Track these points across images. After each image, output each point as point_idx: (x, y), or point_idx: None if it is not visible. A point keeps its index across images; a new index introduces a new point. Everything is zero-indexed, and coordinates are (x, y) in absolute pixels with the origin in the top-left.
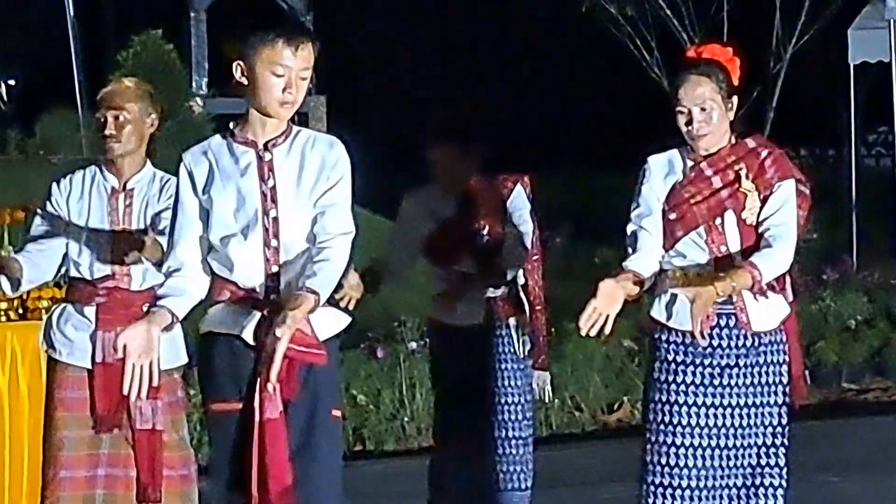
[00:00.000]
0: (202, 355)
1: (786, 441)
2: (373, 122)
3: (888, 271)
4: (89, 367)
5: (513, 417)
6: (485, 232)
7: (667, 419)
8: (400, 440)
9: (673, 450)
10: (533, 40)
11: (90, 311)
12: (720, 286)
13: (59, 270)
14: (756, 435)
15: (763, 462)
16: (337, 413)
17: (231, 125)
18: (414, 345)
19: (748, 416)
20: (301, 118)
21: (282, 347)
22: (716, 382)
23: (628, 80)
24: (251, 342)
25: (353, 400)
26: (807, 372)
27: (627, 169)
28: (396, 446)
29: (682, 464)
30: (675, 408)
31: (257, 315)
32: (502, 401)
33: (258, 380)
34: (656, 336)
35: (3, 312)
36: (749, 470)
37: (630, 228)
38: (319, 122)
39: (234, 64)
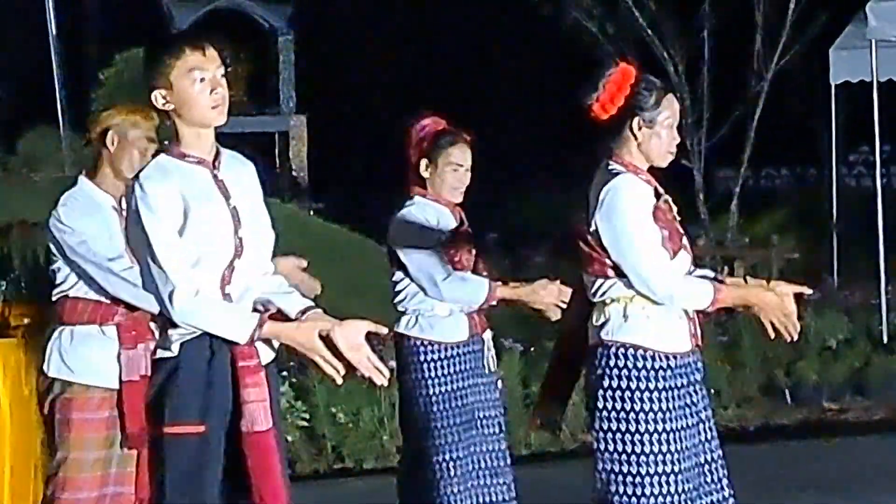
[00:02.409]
0: (168, 375)
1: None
2: (353, 142)
3: (869, 291)
4: (115, 387)
5: (492, 430)
6: (472, 247)
7: (665, 447)
8: (380, 458)
9: (667, 478)
10: (514, 60)
11: (110, 330)
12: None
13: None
14: (713, 450)
15: (718, 476)
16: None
17: (166, 144)
18: (394, 363)
19: (704, 431)
20: (282, 137)
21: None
22: (689, 401)
23: None
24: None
25: (332, 418)
26: (787, 391)
27: None
28: (376, 464)
29: (675, 490)
30: (667, 435)
31: None
32: (481, 414)
33: (237, 395)
34: (634, 364)
35: None
36: (709, 487)
37: (670, 268)
38: (300, 142)
39: (153, 95)
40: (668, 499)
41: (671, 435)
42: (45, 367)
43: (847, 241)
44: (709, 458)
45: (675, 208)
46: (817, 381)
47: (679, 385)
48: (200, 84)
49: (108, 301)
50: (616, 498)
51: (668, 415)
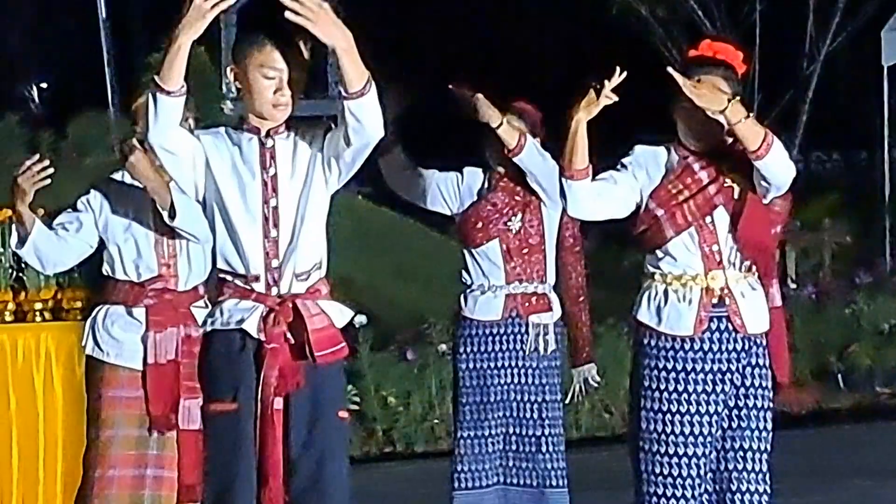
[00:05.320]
0: (202, 354)
1: (768, 446)
2: (403, 121)
3: None
4: (140, 368)
5: (528, 416)
6: (517, 218)
7: (661, 427)
8: (430, 442)
9: (666, 459)
10: (562, 42)
11: (139, 312)
12: (734, 104)
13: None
14: (740, 438)
15: (742, 467)
16: (344, 415)
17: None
18: (444, 346)
19: (734, 418)
20: (331, 121)
21: None
22: (708, 389)
23: (658, 82)
24: (254, 334)
25: (383, 401)
26: (839, 376)
27: None
28: (426, 448)
29: (676, 473)
30: (669, 416)
31: (260, 308)
32: (517, 398)
33: (260, 374)
34: (645, 342)
35: (38, 312)
36: (726, 474)
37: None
38: None
39: (229, 70)
40: (671, 480)
41: (675, 417)
42: (83, 344)
43: None
44: (745, 445)
45: (697, 186)
46: (870, 366)
47: (687, 369)
48: (267, 81)
49: (138, 283)
50: (634, 473)
51: (670, 395)
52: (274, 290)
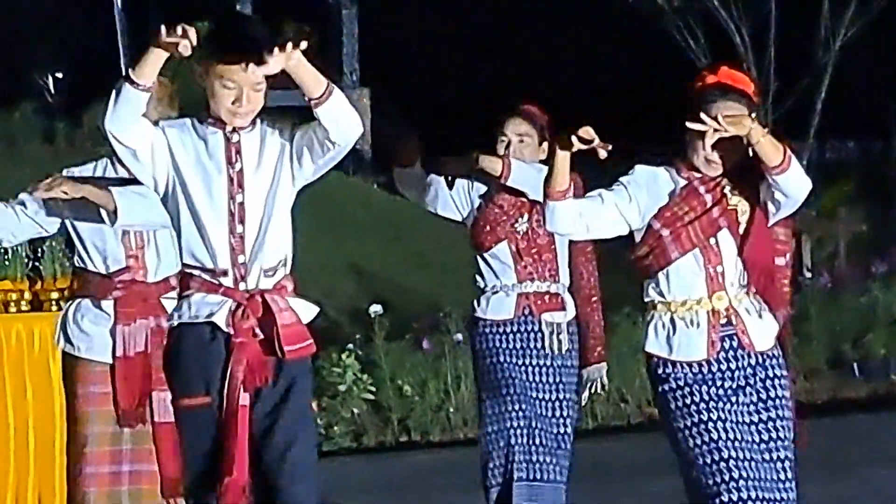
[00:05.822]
0: (170, 349)
1: (792, 455)
2: (417, 115)
3: None
4: (110, 361)
5: (545, 413)
6: (524, 219)
7: (705, 438)
8: (445, 431)
9: (723, 465)
10: (578, 32)
11: (108, 305)
12: (757, 126)
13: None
14: (768, 451)
15: (774, 476)
16: (312, 406)
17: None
18: (459, 336)
19: (762, 431)
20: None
21: None
22: (732, 400)
23: (674, 71)
24: (223, 327)
25: (398, 391)
26: (855, 364)
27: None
28: (442, 437)
29: (736, 476)
30: (704, 426)
31: (229, 302)
32: (535, 395)
33: (228, 368)
34: (659, 371)
35: (54, 302)
36: (769, 484)
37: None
38: (363, 115)
39: (195, 65)
40: (726, 485)
41: (716, 423)
42: (55, 340)
43: None
44: (773, 456)
45: (702, 209)
46: (885, 354)
47: (708, 384)
48: (227, 90)
49: (106, 275)
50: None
51: (698, 406)
52: (242, 286)
